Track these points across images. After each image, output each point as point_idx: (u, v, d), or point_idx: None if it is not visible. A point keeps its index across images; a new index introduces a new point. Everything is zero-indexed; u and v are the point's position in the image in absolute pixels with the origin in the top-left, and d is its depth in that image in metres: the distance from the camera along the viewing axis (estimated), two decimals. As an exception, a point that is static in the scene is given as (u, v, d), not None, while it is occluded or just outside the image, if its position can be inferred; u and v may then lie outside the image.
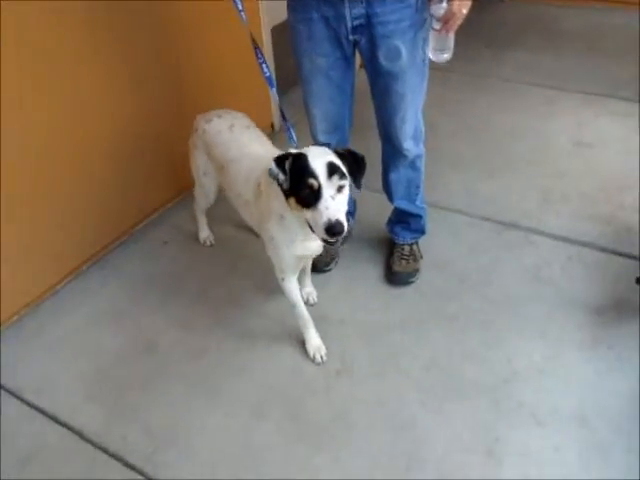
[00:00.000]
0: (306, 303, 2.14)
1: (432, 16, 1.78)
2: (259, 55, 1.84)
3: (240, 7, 1.82)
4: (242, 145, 1.98)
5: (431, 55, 1.89)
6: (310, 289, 2.23)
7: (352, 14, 1.77)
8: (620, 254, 2.35)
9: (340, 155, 1.57)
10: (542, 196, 2.72)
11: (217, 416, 1.87)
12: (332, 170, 1.49)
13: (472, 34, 4.37)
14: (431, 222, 2.41)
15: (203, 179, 2.22)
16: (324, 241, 1.55)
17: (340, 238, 1.51)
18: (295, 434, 1.80)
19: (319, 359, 2.00)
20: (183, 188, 2.73)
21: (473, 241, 2.48)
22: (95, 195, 2.40)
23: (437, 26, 1.78)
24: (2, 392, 1.98)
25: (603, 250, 2.38)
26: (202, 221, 2.51)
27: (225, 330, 2.15)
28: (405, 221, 2.29)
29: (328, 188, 1.48)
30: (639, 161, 2.81)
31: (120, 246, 2.57)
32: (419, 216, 2.28)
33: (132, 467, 1.73)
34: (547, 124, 3.28)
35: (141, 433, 1.83)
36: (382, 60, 1.85)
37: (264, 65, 1.84)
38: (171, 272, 2.43)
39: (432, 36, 1.85)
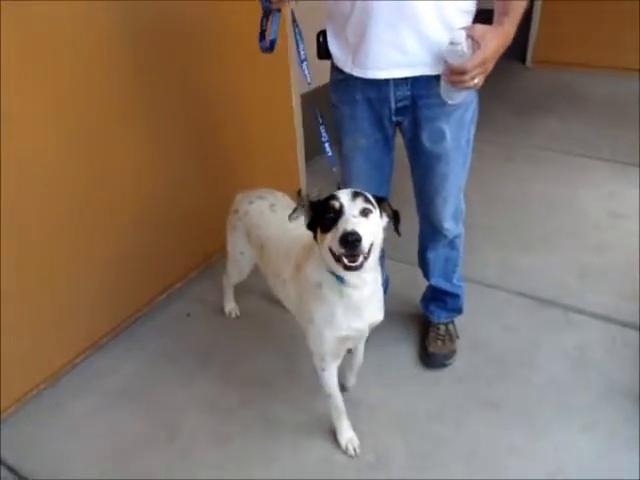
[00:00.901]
0: (342, 390, 2.02)
1: (444, 57, 1.50)
2: (319, 119, 1.74)
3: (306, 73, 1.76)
4: (283, 224, 1.90)
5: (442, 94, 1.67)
6: (353, 382, 2.10)
7: (397, 96, 1.72)
8: (668, 337, 2.23)
9: (374, 198, 1.51)
10: (580, 271, 2.61)
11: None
12: (357, 194, 1.44)
13: (497, 100, 4.41)
14: (467, 299, 2.29)
15: (239, 258, 2.17)
16: (344, 267, 1.41)
17: (359, 256, 1.39)
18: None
19: (352, 452, 1.87)
20: (206, 258, 2.68)
21: (510, 319, 2.37)
22: (115, 263, 2.34)
23: (444, 71, 1.52)
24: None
25: (649, 332, 2.26)
26: (228, 293, 2.45)
27: (251, 413, 2.04)
28: (441, 299, 2.19)
29: (351, 208, 1.42)
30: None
31: (141, 318, 2.50)
32: (456, 295, 2.18)
33: None
34: (580, 193, 3.21)
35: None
36: (425, 142, 1.80)
37: (323, 130, 1.75)
38: (194, 348, 2.34)
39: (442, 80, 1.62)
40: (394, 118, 1.79)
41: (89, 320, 2.32)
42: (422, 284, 2.26)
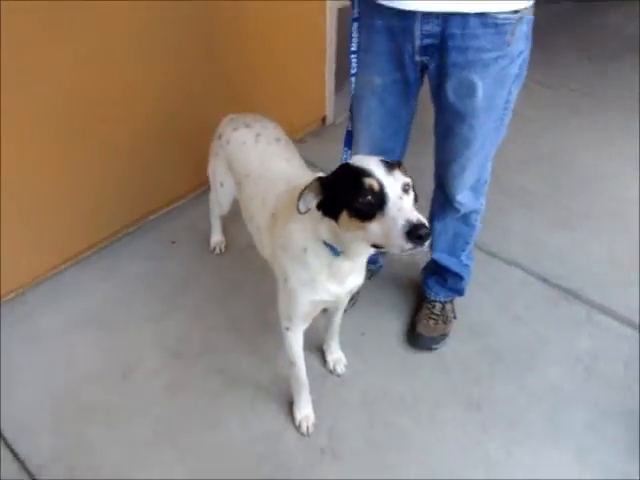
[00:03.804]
0: (331, 372, 1.85)
1: None
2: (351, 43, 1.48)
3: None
4: (264, 161, 1.66)
5: None
6: (338, 355, 1.88)
7: (423, 30, 1.38)
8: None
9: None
10: (617, 262, 2.26)
11: (175, 474, 1.62)
12: (390, 166, 1.16)
13: (572, 39, 3.80)
14: (477, 272, 2.01)
15: (219, 189, 1.94)
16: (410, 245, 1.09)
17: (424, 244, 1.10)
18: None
19: (305, 430, 1.70)
20: (204, 182, 2.44)
21: (522, 307, 2.08)
22: (109, 175, 2.17)
23: None
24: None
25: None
26: (215, 225, 2.25)
27: (212, 365, 1.88)
28: (442, 276, 1.92)
29: (393, 187, 1.13)
30: None
31: (125, 238, 2.34)
32: (459, 275, 1.90)
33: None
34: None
35: (89, 473, 1.61)
36: (450, 94, 1.46)
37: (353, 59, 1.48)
38: (172, 280, 2.18)
39: None
40: (418, 57, 1.45)
41: (69, 233, 2.18)
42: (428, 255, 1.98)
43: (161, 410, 1.77)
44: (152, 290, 2.13)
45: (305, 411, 1.71)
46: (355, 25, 1.46)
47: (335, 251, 1.30)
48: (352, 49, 1.48)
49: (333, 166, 1.27)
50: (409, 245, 1.08)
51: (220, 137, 1.83)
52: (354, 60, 1.48)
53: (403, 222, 1.08)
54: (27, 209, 1.99)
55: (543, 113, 3.12)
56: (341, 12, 2.58)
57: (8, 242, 1.96)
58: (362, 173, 1.14)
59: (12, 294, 2.09)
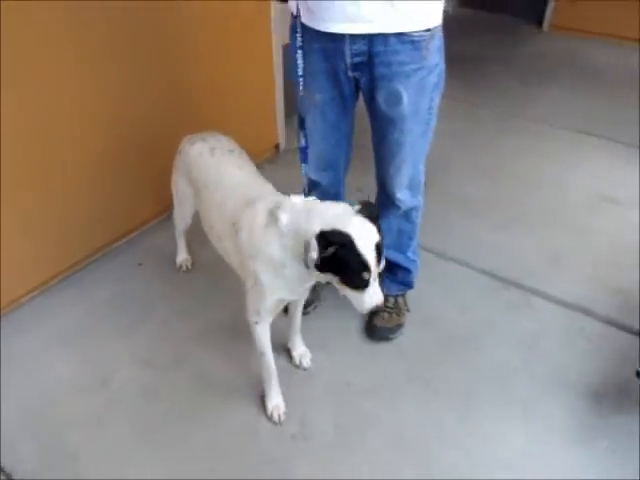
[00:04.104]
0: (298, 367, 1.98)
1: None
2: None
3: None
4: (220, 171, 1.84)
5: None
6: (303, 349, 2.01)
7: (352, 50, 1.60)
8: (631, 331, 2.12)
9: (364, 208, 1.45)
10: (553, 254, 2.49)
11: (158, 474, 1.71)
12: (379, 254, 1.41)
13: (505, 65, 4.18)
14: (423, 269, 2.21)
15: (182, 200, 2.10)
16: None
17: None
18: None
19: (276, 418, 1.82)
20: (167, 207, 2.59)
21: (467, 297, 2.28)
22: (66, 207, 2.27)
23: None
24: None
25: (610, 323, 2.16)
26: (180, 244, 2.38)
27: (185, 371, 2.00)
28: (392, 272, 2.09)
29: (374, 272, 1.41)
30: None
31: (94, 263, 2.44)
32: (408, 269, 2.08)
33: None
34: (572, 173, 3.04)
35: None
36: (381, 103, 1.68)
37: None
38: (140, 298, 2.28)
39: None
40: (350, 74, 1.67)
41: (39, 259, 2.26)
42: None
43: (139, 416, 1.86)
44: (121, 310, 2.22)
45: (275, 400, 1.84)
46: (300, 52, 1.64)
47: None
48: (299, 73, 1.66)
49: (291, 189, 1.56)
50: (366, 312, 1.46)
51: (180, 152, 2.01)
52: (301, 82, 1.67)
53: (372, 305, 1.44)
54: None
55: (483, 130, 3.42)
56: (285, 48, 2.81)
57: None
58: (363, 265, 1.37)
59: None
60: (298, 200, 1.51)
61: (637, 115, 3.48)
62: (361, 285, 1.41)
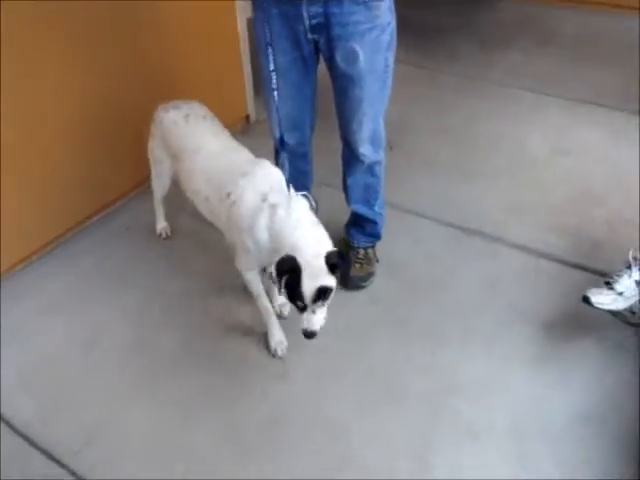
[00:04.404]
0: (279, 316, 2.10)
1: None
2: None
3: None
4: (197, 137, 1.99)
5: None
6: (283, 300, 2.15)
7: (309, 12, 1.73)
8: (581, 268, 2.31)
9: (333, 267, 1.60)
10: (511, 205, 2.66)
11: (153, 412, 1.87)
12: (319, 295, 1.58)
13: (465, 31, 4.32)
14: (392, 224, 2.37)
15: (158, 167, 2.23)
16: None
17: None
18: (228, 437, 1.80)
19: (280, 353, 1.99)
20: (145, 178, 2.70)
21: (433, 247, 2.45)
22: (54, 179, 2.38)
23: None
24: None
25: (563, 263, 2.34)
26: (159, 212, 2.50)
27: (175, 324, 2.15)
28: (361, 225, 2.25)
29: (312, 306, 1.60)
30: (615, 173, 2.77)
31: (79, 234, 2.55)
32: (375, 222, 2.24)
33: (56, 460, 1.73)
34: (528, 130, 3.19)
35: (72, 428, 1.83)
36: (340, 62, 1.81)
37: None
38: (127, 263, 2.42)
39: None
40: (310, 35, 1.80)
41: (30, 230, 2.38)
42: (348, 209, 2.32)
43: (130, 367, 2.01)
44: (108, 275, 2.36)
45: (278, 337, 2.01)
46: (270, 49, 1.78)
47: None
48: (271, 68, 1.80)
49: (266, 157, 1.77)
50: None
51: (154, 120, 2.14)
52: (274, 76, 1.81)
53: (304, 326, 1.62)
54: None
55: (445, 94, 3.56)
56: (250, 22, 2.92)
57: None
58: (300, 297, 1.58)
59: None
60: (297, 204, 1.70)
61: (593, 75, 3.65)
62: (297, 307, 1.63)
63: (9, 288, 2.29)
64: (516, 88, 3.60)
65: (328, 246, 1.65)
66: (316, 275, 1.57)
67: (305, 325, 1.63)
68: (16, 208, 2.28)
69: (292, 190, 1.71)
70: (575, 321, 2.09)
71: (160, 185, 2.31)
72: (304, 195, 1.76)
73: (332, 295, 1.64)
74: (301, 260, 1.56)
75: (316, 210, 1.80)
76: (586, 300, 1.93)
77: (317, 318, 1.62)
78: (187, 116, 2.03)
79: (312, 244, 1.61)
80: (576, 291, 2.17)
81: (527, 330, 2.08)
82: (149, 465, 1.73)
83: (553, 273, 2.30)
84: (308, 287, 1.56)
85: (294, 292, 1.58)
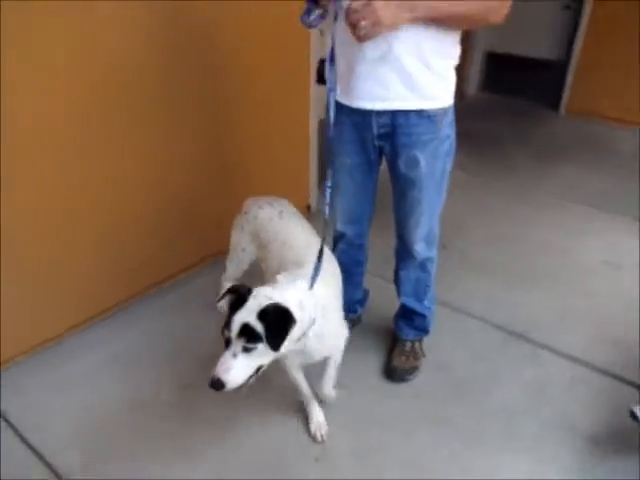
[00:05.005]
0: (321, 402, 2.13)
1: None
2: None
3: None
4: (288, 232, 2.11)
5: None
6: (322, 418, 2.10)
7: (379, 123, 1.91)
8: (629, 383, 2.29)
9: (264, 314, 1.58)
10: (560, 313, 2.70)
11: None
12: (243, 332, 1.57)
13: (522, 144, 4.53)
14: (441, 321, 2.45)
15: (240, 254, 2.34)
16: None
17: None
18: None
19: (319, 437, 2.04)
20: (208, 255, 2.91)
21: (479, 347, 2.48)
22: (128, 250, 2.59)
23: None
24: (2, 420, 2.12)
25: (611, 376, 2.33)
26: (225, 287, 2.63)
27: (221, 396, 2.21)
28: (409, 318, 2.33)
29: (235, 344, 1.58)
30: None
31: (144, 299, 2.73)
32: (424, 316, 2.32)
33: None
34: (580, 242, 3.28)
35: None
36: (402, 167, 1.98)
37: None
38: (185, 331, 2.56)
39: None
40: (376, 142, 1.98)
41: (91, 295, 2.56)
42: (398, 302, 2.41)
43: (174, 431, 2.10)
44: (166, 340, 2.51)
45: (318, 419, 2.07)
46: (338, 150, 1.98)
47: None
48: (336, 168, 1.99)
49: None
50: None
51: (246, 213, 2.26)
52: (339, 175, 2.03)
53: (214, 371, 1.55)
54: (33, 277, 2.31)
55: (499, 201, 3.72)
56: (321, 123, 3.19)
57: (36, 299, 2.33)
58: (227, 325, 1.59)
59: (46, 344, 2.45)
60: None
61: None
62: (224, 341, 1.60)
63: (75, 344, 2.48)
64: (569, 201, 3.73)
65: (284, 301, 1.62)
66: (252, 311, 1.58)
67: (217, 369, 1.55)
68: (94, 264, 2.49)
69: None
70: (620, 437, 2.06)
71: (235, 268, 2.43)
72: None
73: (259, 350, 1.57)
74: (252, 294, 1.62)
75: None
76: (634, 416, 1.92)
77: (235, 366, 1.56)
78: (281, 212, 2.18)
79: (277, 290, 1.67)
80: (624, 406, 2.17)
81: (570, 440, 2.06)
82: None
83: (601, 386, 2.29)
84: (239, 317, 1.58)
85: (229, 317, 1.60)
